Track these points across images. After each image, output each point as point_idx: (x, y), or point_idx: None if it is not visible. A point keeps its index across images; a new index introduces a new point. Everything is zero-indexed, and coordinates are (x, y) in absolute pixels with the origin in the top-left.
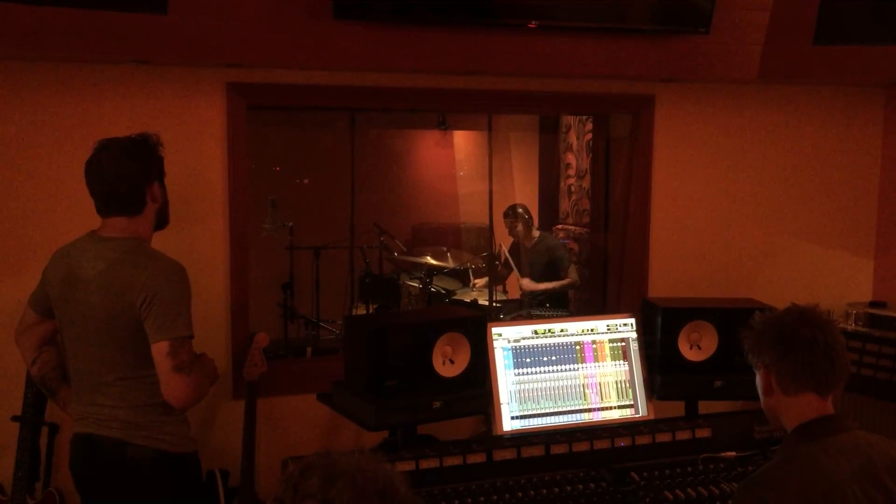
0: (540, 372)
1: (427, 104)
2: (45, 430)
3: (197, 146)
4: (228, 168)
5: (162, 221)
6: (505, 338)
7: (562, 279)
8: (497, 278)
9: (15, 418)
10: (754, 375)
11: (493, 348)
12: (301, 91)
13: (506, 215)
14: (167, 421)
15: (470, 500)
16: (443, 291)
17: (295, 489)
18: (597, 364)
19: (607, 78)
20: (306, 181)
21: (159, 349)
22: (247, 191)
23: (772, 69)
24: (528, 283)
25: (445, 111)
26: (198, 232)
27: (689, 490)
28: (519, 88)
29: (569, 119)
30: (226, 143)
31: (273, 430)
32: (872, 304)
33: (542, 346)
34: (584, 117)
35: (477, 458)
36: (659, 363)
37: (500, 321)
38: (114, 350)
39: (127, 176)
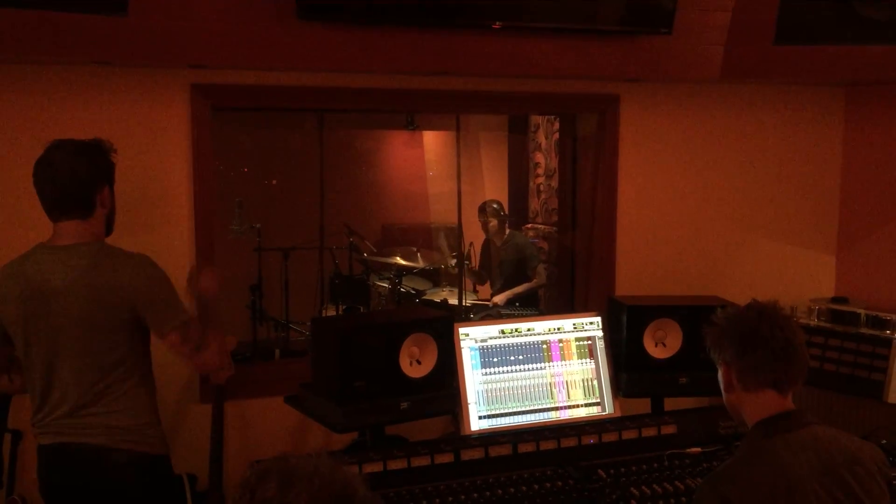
0: (507, 371)
1: (394, 105)
2: (7, 437)
3: (161, 148)
4: (193, 170)
5: (108, 228)
6: (472, 338)
7: (530, 279)
8: (477, 280)
9: None
10: (718, 371)
11: (460, 348)
12: (266, 92)
13: (480, 211)
14: (150, 423)
15: (438, 500)
16: (413, 291)
17: (252, 494)
18: (563, 363)
19: (572, 78)
20: (274, 182)
21: (171, 342)
22: (213, 193)
23: (734, 69)
24: (499, 298)
25: (413, 111)
26: (163, 235)
27: (654, 486)
28: (485, 89)
29: (537, 119)
30: (191, 144)
31: (241, 434)
32: (834, 300)
33: (508, 346)
34: (553, 117)
35: (445, 459)
36: (625, 361)
37: (467, 321)
38: (96, 358)
39: (78, 175)
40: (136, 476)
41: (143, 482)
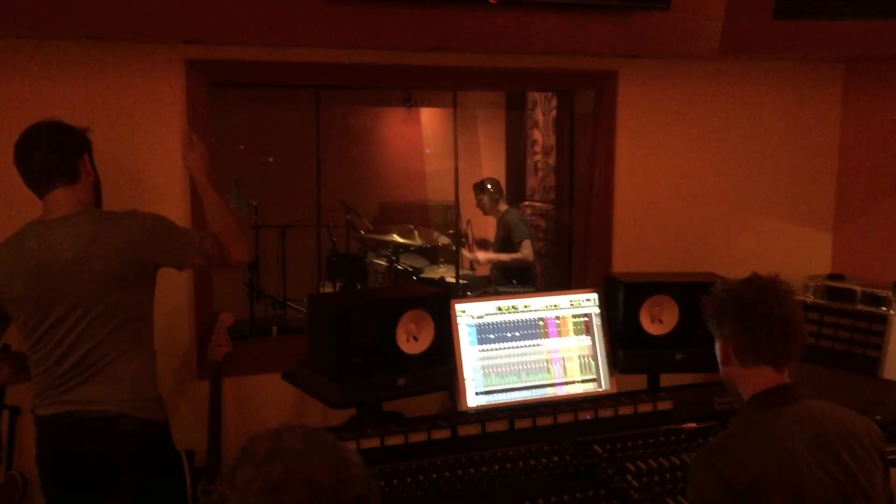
0: (504, 348)
1: (391, 81)
2: (5, 413)
3: (156, 125)
4: None
5: (97, 203)
6: (469, 314)
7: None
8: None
9: None
10: (714, 348)
11: (456, 325)
12: (263, 68)
13: (473, 188)
14: (155, 391)
15: (435, 475)
16: (410, 269)
17: (233, 474)
18: (560, 339)
19: (569, 54)
20: (270, 159)
21: (197, 265)
22: (209, 170)
23: (732, 44)
24: (482, 255)
25: (410, 88)
26: (159, 212)
27: (650, 461)
28: (482, 65)
29: (535, 95)
30: (186, 121)
31: (239, 410)
32: (831, 277)
33: (505, 323)
34: (550, 94)
35: (442, 434)
36: (621, 337)
37: (464, 298)
38: (111, 323)
39: (59, 140)
40: (144, 443)
41: (150, 449)
